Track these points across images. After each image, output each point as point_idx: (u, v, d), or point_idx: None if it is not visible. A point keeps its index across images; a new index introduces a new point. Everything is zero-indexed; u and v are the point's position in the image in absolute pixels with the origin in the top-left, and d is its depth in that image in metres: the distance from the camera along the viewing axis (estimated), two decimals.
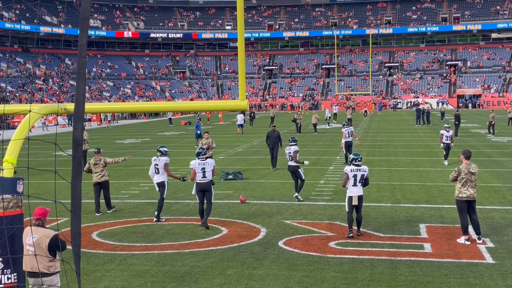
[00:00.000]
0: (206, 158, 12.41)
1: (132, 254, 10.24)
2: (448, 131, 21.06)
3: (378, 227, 11.84)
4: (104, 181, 14.03)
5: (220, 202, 14.91)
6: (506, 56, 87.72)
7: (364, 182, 11.23)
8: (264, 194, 15.86)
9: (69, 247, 10.06)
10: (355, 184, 11.12)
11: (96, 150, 14.42)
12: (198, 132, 28.79)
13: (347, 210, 11.23)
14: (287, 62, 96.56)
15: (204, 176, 12.17)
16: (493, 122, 33.38)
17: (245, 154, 26.09)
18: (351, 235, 11.01)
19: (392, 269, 9.11)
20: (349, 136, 21.75)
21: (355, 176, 11.12)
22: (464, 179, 10.58)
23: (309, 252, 10.10)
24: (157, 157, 13.08)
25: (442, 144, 21.25)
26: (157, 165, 13.04)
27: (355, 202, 11.09)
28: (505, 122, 43.39)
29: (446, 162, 21.02)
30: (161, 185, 13.06)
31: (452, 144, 21.32)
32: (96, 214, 13.88)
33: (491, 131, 33.46)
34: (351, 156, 11.61)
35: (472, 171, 10.58)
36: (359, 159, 11.31)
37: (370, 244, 10.57)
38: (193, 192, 12.54)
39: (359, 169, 11.18)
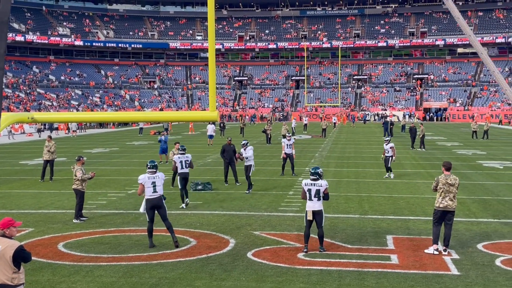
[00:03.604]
0: (156, 171, 11.59)
1: (99, 266, 10.10)
2: (386, 144, 21.34)
3: (346, 238, 11.92)
4: (74, 190, 14.19)
5: (189, 213, 14.83)
6: (471, 70, 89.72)
7: (324, 196, 10.88)
8: (233, 205, 15.82)
9: (34, 258, 9.92)
10: (310, 199, 10.83)
11: (76, 157, 14.53)
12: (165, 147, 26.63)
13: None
14: (257, 73, 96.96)
15: (154, 191, 11.38)
16: (422, 136, 33.52)
17: (214, 164, 26.01)
18: (305, 250, 10.79)
19: (360, 280, 9.18)
20: (288, 148, 21.94)
21: (309, 190, 10.85)
22: (442, 190, 10.74)
23: (278, 264, 10.10)
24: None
25: (382, 156, 21.90)
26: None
27: (309, 217, 10.82)
28: (469, 135, 44.21)
29: (386, 175, 21.25)
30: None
31: (394, 158, 21.26)
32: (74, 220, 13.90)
33: (423, 144, 33.43)
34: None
35: (450, 182, 10.72)
36: (317, 173, 10.96)
37: (338, 255, 10.63)
38: (142, 209, 11.63)
39: (314, 184, 10.87)
